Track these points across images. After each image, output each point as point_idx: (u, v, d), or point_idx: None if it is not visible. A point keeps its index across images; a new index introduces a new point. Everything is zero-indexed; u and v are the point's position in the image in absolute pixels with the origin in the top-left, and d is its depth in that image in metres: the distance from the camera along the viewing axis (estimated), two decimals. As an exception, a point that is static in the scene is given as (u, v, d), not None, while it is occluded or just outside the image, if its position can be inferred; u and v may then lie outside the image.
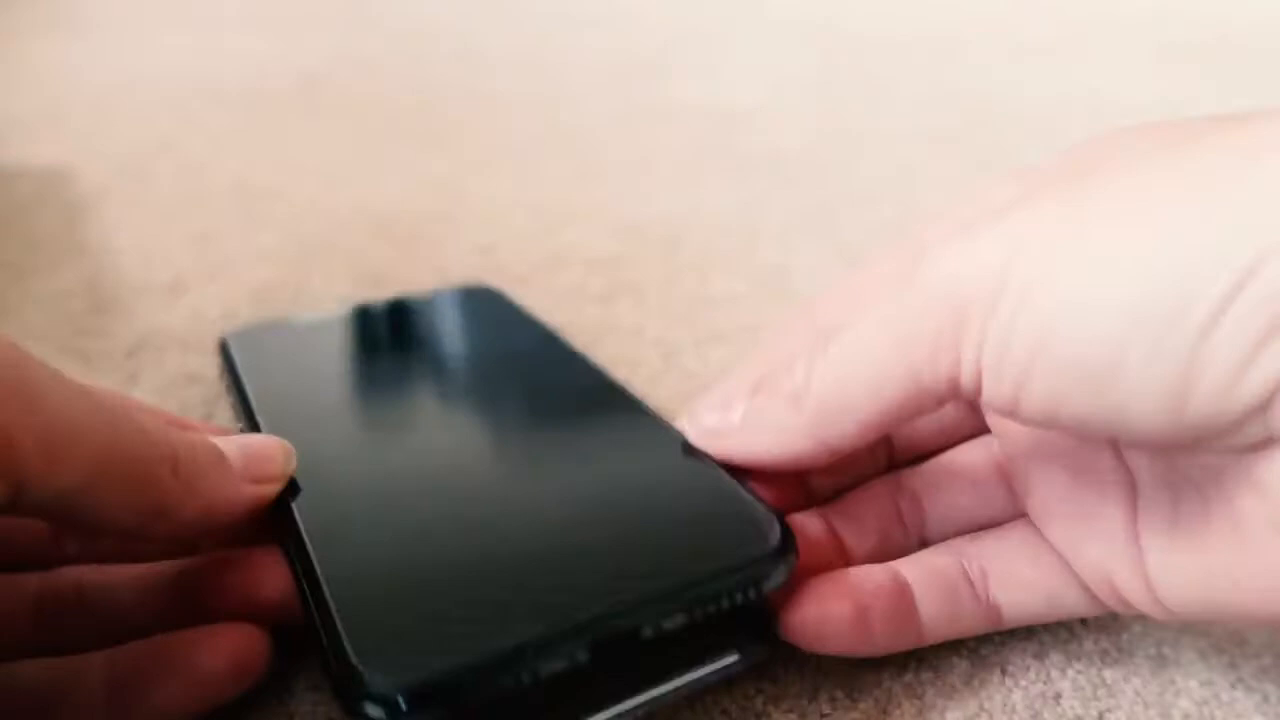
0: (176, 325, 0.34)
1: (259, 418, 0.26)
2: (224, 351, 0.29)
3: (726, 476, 0.22)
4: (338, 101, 0.58)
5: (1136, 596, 0.19)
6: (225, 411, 0.30)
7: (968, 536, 0.22)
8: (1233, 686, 0.22)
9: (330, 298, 0.36)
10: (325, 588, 0.19)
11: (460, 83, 0.63)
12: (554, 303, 0.37)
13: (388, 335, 0.31)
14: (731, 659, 0.19)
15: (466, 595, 0.19)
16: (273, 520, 0.23)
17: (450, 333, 0.31)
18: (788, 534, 0.20)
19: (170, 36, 0.72)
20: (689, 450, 0.23)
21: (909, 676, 0.22)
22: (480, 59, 0.69)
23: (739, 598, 0.19)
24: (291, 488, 0.23)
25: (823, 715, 0.21)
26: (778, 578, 0.19)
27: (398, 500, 0.22)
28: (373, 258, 0.39)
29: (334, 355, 0.30)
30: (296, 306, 0.36)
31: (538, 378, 0.28)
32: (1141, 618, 0.23)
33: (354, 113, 0.57)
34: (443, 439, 0.25)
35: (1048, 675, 0.22)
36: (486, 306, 0.33)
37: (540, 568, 0.19)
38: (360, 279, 0.38)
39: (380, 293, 0.37)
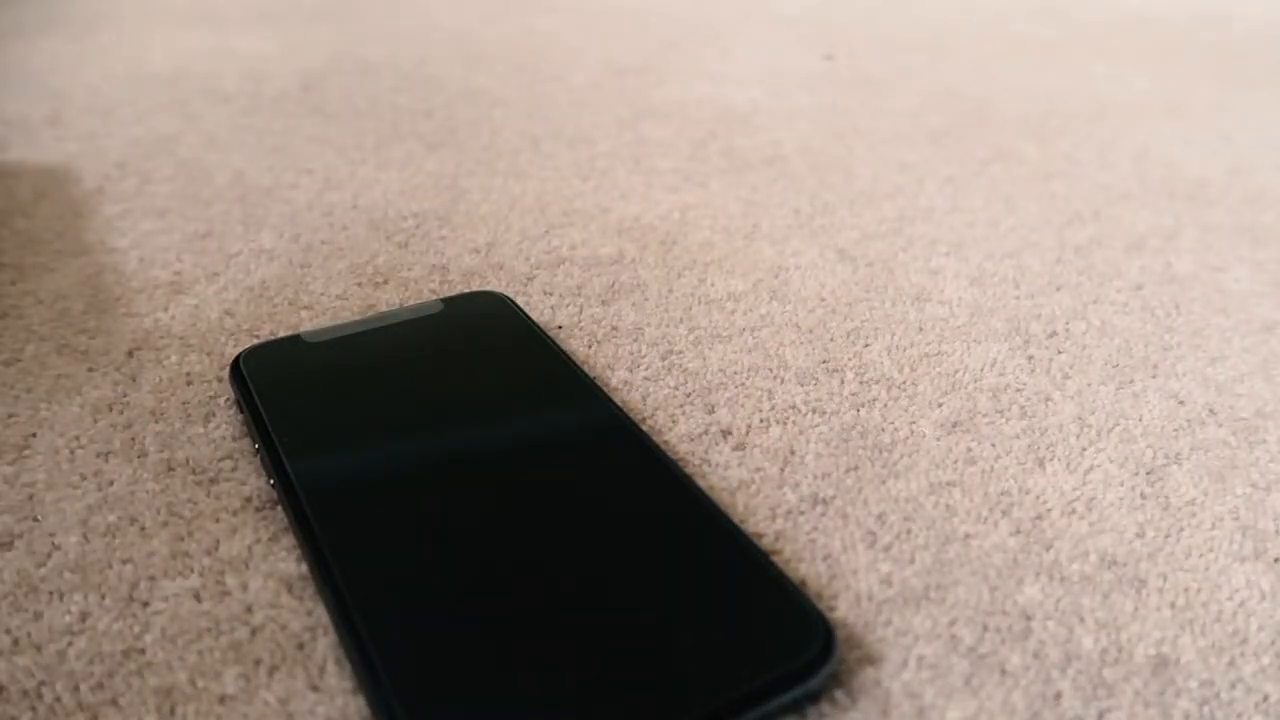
0: (176, 325, 0.34)
1: (275, 439, 0.26)
2: (236, 372, 0.29)
3: (773, 569, 0.22)
4: (338, 101, 0.58)
5: None
6: (226, 410, 0.30)
7: None
8: (1233, 686, 0.22)
9: (330, 298, 0.36)
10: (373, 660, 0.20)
11: (460, 83, 0.63)
12: (554, 303, 0.37)
13: (399, 354, 0.31)
14: None
15: (510, 679, 0.20)
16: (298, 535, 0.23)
17: (461, 352, 0.31)
18: (830, 637, 0.21)
19: (171, 36, 0.72)
20: (735, 538, 0.23)
21: (909, 676, 0.22)
22: (480, 59, 0.69)
23: (775, 704, 0.20)
24: (317, 515, 0.23)
25: (822, 715, 0.21)
26: (817, 684, 0.20)
27: (431, 552, 0.23)
28: (373, 257, 0.39)
29: (348, 375, 0.30)
30: (296, 306, 0.36)
31: (569, 428, 0.27)
32: (1141, 617, 0.23)
33: (354, 113, 0.57)
34: (470, 483, 0.25)
35: (1048, 675, 0.22)
36: (495, 318, 0.33)
37: (573, 661, 0.20)
38: (360, 279, 0.38)
39: (380, 293, 0.37)
